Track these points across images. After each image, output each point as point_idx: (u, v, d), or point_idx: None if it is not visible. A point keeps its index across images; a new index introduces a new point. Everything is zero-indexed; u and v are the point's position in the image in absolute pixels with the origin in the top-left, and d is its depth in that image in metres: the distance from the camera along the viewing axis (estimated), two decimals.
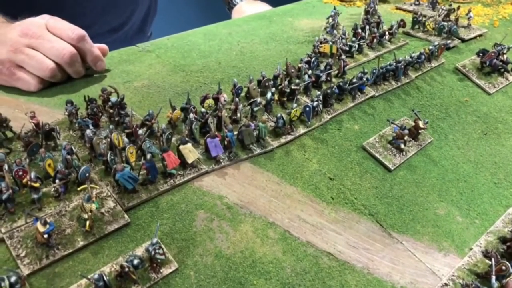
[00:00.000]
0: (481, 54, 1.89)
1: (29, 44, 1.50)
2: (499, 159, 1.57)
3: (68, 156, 1.14)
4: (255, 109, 1.41)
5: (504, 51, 1.88)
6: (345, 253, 1.16)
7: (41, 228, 0.95)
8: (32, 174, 1.03)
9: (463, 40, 2.06)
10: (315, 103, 1.44)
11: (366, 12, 2.12)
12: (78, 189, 1.09)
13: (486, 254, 1.18)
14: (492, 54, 1.84)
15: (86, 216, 1.02)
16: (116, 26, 2.29)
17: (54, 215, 1.05)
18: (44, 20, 1.57)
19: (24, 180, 1.05)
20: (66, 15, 2.05)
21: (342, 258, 1.14)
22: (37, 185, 1.04)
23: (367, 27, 1.94)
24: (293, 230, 1.17)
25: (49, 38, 1.53)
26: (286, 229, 1.16)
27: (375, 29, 1.94)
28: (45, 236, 0.95)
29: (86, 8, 2.09)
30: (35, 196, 1.04)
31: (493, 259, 1.11)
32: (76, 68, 1.59)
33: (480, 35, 2.13)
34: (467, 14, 2.13)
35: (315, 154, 1.40)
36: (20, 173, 1.07)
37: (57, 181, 1.08)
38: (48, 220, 0.97)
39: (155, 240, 0.98)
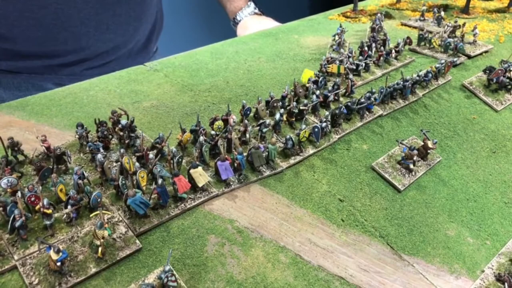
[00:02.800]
0: (487, 72, 1.89)
1: None
2: (509, 177, 1.57)
3: (80, 181, 1.15)
4: (264, 130, 1.41)
5: (511, 68, 1.88)
6: (357, 277, 1.15)
7: (54, 256, 0.95)
8: (45, 201, 1.04)
9: (469, 57, 2.07)
10: (323, 124, 1.45)
11: (372, 30, 2.13)
12: (90, 215, 1.09)
13: (499, 278, 1.17)
14: (499, 71, 1.85)
15: (98, 242, 1.02)
16: (120, 43, 2.31)
17: (66, 241, 1.06)
18: None
19: (37, 207, 1.05)
20: (70, 34, 2.08)
21: (353, 282, 1.14)
22: (49, 211, 1.04)
23: (374, 44, 1.95)
24: (304, 254, 1.16)
25: None
26: (297, 253, 1.16)
27: (382, 47, 1.95)
28: (58, 264, 0.95)
29: (90, 27, 2.12)
30: (48, 222, 1.05)
31: (506, 284, 1.10)
32: None
33: (486, 51, 2.14)
34: (472, 31, 2.14)
35: (324, 175, 1.40)
36: (33, 199, 1.07)
37: (69, 206, 1.09)
38: (61, 248, 0.97)
39: (167, 267, 0.98)
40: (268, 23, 2.61)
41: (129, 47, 2.37)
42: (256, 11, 2.70)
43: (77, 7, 2.02)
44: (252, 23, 2.65)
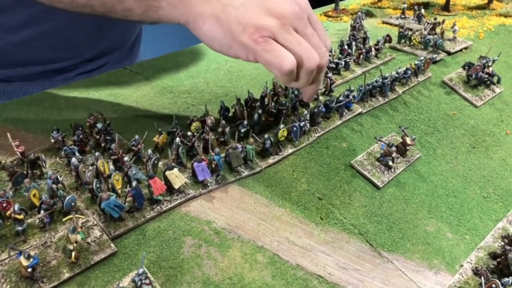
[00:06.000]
0: (467, 68, 1.90)
1: (296, 27, 1.25)
2: (488, 172, 1.58)
3: (54, 186, 1.13)
4: (242, 130, 1.41)
5: (489, 64, 1.89)
6: (335, 275, 1.15)
7: (25, 262, 0.93)
8: (16, 206, 1.02)
9: (449, 53, 2.08)
10: (302, 123, 1.45)
11: (353, 28, 2.13)
12: (63, 220, 1.08)
13: (476, 272, 1.17)
14: (478, 67, 1.86)
15: (71, 247, 1.01)
16: (113, 48, 2.31)
17: (39, 246, 1.04)
18: (307, 10, 1.30)
19: (8, 213, 1.04)
20: (71, 43, 2.06)
21: (332, 281, 1.13)
22: (21, 217, 1.03)
23: (354, 43, 1.95)
24: (282, 254, 1.16)
25: (312, 33, 1.29)
26: (275, 253, 1.16)
27: (362, 45, 1.95)
28: (29, 270, 0.94)
29: (91, 36, 2.11)
30: (20, 228, 1.03)
31: (483, 277, 1.10)
32: None
33: (465, 48, 2.15)
34: (452, 27, 2.16)
35: (303, 174, 1.40)
36: (4, 204, 1.06)
37: (42, 211, 1.07)
38: (32, 253, 0.96)
39: (141, 270, 0.97)
40: None
41: (119, 51, 2.36)
42: None
43: (83, 19, 2.01)
44: None
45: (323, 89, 1.69)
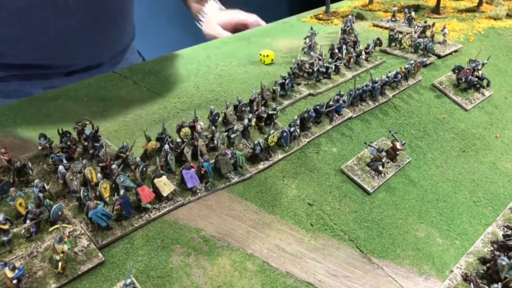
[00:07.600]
0: (456, 71, 1.91)
1: None
2: (477, 176, 1.58)
3: (40, 194, 1.12)
4: (232, 136, 1.40)
5: (479, 67, 1.90)
6: (325, 282, 1.14)
7: (10, 274, 0.92)
8: (1, 216, 1.01)
9: (439, 57, 2.09)
10: (292, 128, 1.44)
11: (343, 31, 2.13)
12: (49, 229, 1.07)
13: (466, 278, 1.18)
14: (468, 70, 1.86)
15: (58, 257, 0.99)
16: (105, 56, 2.31)
17: (25, 257, 1.03)
18: None
19: None
20: (65, 53, 2.06)
21: None
22: (6, 227, 1.01)
23: (344, 46, 1.95)
24: (272, 261, 1.15)
25: None
26: (265, 260, 1.15)
27: (352, 49, 1.95)
28: (14, 281, 0.93)
29: (84, 45, 2.12)
30: (5, 238, 1.02)
31: (472, 284, 1.10)
32: None
33: (455, 51, 2.16)
34: (442, 30, 2.16)
35: (293, 180, 1.40)
36: None
37: (28, 221, 1.06)
38: (18, 264, 0.95)
39: (128, 280, 0.96)
40: (234, 12, 2.60)
41: (111, 57, 2.36)
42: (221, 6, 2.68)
43: (75, 31, 2.02)
44: (217, 13, 2.63)
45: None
